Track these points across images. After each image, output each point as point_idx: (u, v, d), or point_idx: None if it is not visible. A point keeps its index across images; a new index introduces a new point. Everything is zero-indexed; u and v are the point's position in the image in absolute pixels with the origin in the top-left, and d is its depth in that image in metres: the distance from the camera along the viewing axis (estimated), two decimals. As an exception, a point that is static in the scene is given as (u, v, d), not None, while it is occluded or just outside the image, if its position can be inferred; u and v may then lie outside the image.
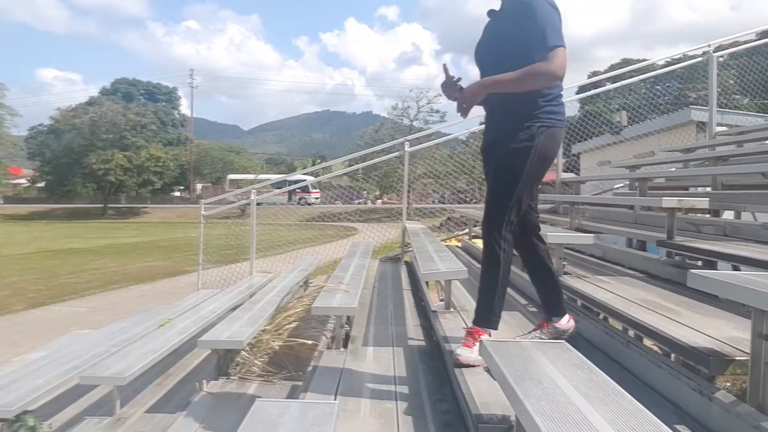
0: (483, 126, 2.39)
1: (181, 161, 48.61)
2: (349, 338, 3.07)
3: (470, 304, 3.12)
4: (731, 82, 8.68)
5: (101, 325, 5.39)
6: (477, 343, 2.14)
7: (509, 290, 3.85)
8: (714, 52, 6.04)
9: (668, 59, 8.74)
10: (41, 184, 49.42)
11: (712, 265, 2.90)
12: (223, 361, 2.96)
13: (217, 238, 6.43)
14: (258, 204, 6.25)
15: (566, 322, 2.32)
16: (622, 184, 6.82)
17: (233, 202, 7.08)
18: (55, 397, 3.04)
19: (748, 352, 1.47)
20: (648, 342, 2.16)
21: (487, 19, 2.31)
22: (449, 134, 8.12)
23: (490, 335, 2.23)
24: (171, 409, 2.90)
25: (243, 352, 2.99)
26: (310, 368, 2.71)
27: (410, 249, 5.48)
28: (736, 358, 1.62)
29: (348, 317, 3.24)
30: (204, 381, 2.81)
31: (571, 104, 7.04)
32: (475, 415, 1.70)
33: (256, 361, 3.01)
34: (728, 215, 4.20)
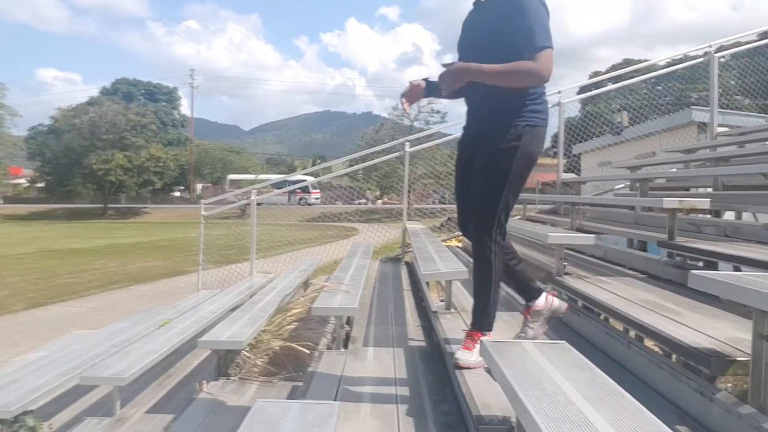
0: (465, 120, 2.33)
1: (181, 161, 48.62)
2: (350, 339, 3.06)
3: (471, 304, 3.10)
4: (732, 82, 8.68)
5: (101, 325, 5.39)
6: (476, 346, 2.15)
7: (509, 290, 3.85)
8: (715, 52, 6.04)
9: (669, 60, 8.74)
10: (41, 184, 49.42)
11: (713, 266, 2.90)
12: (224, 362, 2.96)
13: (217, 238, 6.43)
14: (258, 204, 6.25)
15: (545, 301, 2.31)
16: (622, 185, 6.82)
17: (233, 203, 7.08)
18: (55, 397, 3.03)
19: (749, 352, 1.47)
20: (649, 342, 2.16)
21: (468, 12, 2.26)
22: (450, 134, 8.11)
23: (489, 336, 2.23)
24: (171, 410, 2.89)
25: (243, 353, 2.99)
26: (310, 369, 2.71)
27: (411, 249, 5.48)
28: (737, 358, 1.62)
29: (348, 318, 3.24)
30: (204, 381, 2.81)
31: (572, 105, 7.03)
32: (476, 416, 1.70)
33: (256, 362, 3.01)
34: (729, 216, 4.19)
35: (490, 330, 2.22)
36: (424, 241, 4.59)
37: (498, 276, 2.16)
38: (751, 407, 1.43)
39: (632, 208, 4.75)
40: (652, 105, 9.41)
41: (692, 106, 8.65)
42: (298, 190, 29.39)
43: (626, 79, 7.15)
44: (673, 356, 1.97)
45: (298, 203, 29.04)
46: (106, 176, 41.87)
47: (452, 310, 3.13)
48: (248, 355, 3.02)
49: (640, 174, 5.47)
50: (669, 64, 8.02)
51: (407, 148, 6.19)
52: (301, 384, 2.70)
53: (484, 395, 1.84)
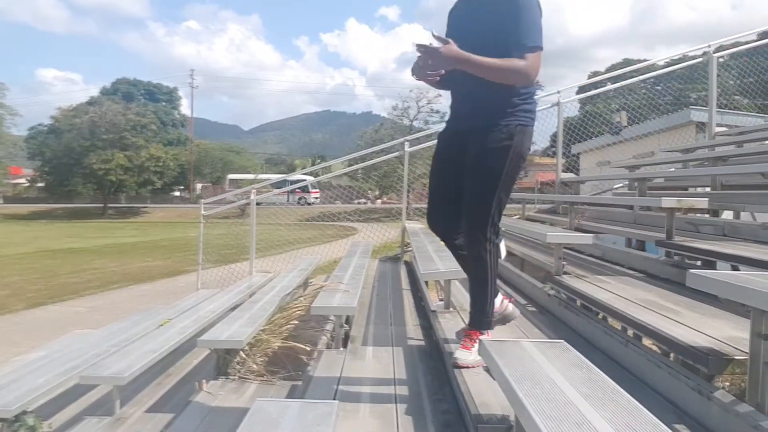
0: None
1: (181, 161, 48.58)
2: (349, 338, 3.07)
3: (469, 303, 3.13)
4: (731, 82, 8.68)
5: (101, 324, 5.39)
6: (475, 345, 2.15)
7: (509, 290, 3.86)
8: (714, 52, 6.04)
9: (668, 60, 8.74)
10: (41, 184, 49.38)
11: (711, 265, 2.90)
12: (223, 361, 2.96)
13: (217, 237, 6.43)
14: (258, 204, 6.25)
15: (500, 304, 2.30)
16: (621, 185, 6.82)
17: (233, 202, 7.08)
18: (55, 396, 3.04)
19: (747, 351, 1.48)
20: (647, 341, 2.16)
21: (456, 2, 2.22)
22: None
23: (488, 335, 2.24)
24: (171, 409, 2.90)
25: (242, 352, 2.99)
26: (309, 368, 2.71)
27: (410, 249, 5.49)
28: (735, 357, 1.63)
29: (347, 317, 3.24)
30: (204, 381, 2.81)
31: (571, 104, 7.04)
32: (475, 414, 1.71)
33: (255, 361, 3.01)
34: (727, 215, 4.20)
35: (489, 329, 2.23)
36: (423, 241, 4.59)
37: (494, 275, 2.17)
38: (748, 405, 1.43)
39: (631, 207, 4.76)
40: (651, 105, 9.41)
41: (691, 106, 8.65)
42: (297, 190, 29.39)
43: (625, 79, 7.16)
44: (672, 355, 1.98)
45: (298, 203, 29.03)
46: (106, 176, 41.84)
47: (451, 309, 3.14)
48: (247, 354, 3.02)
49: (638, 173, 5.48)
50: (668, 64, 8.02)
51: (407, 148, 6.19)
52: (300, 383, 2.70)
53: (482, 394, 1.85)
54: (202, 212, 6.20)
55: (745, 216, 4.11)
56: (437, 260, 3.43)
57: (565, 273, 3.20)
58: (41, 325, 7.82)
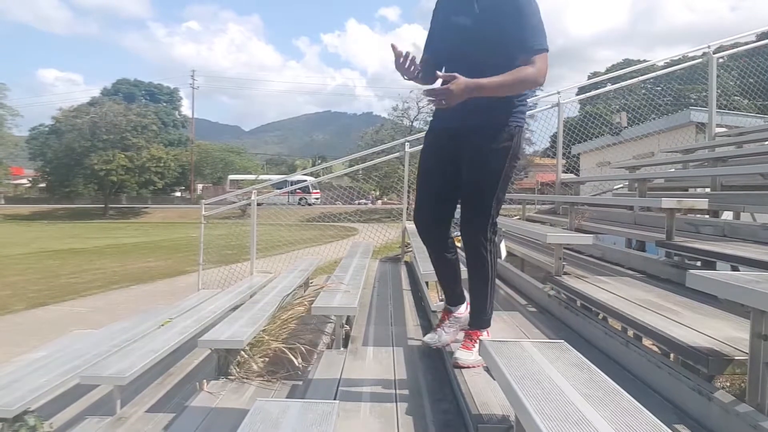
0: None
1: (182, 162, 48.62)
2: (349, 338, 3.07)
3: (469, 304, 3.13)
4: (731, 83, 8.69)
5: (102, 325, 5.39)
6: (476, 345, 2.16)
7: (509, 290, 3.86)
8: (714, 53, 6.05)
9: (668, 60, 8.75)
10: (42, 185, 49.44)
11: (711, 266, 2.91)
12: (224, 361, 2.96)
13: (218, 238, 6.43)
14: (258, 204, 6.26)
15: (465, 309, 2.31)
16: (621, 185, 6.83)
17: (234, 203, 7.08)
18: (56, 396, 3.04)
19: (747, 352, 1.48)
20: (647, 342, 2.17)
21: None
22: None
23: (488, 335, 2.25)
24: (171, 409, 2.90)
25: (243, 352, 2.99)
26: (310, 368, 2.72)
27: (410, 249, 5.49)
28: (735, 358, 1.63)
29: (348, 317, 3.25)
30: (204, 381, 2.81)
31: (571, 105, 7.04)
32: (475, 414, 1.71)
33: (256, 361, 3.01)
34: (727, 216, 4.20)
35: (488, 327, 2.24)
36: (423, 241, 4.59)
37: (494, 274, 2.18)
38: (748, 406, 1.44)
39: (631, 208, 4.76)
40: (651, 105, 9.42)
41: (691, 107, 8.66)
42: (298, 190, 29.40)
43: (625, 80, 7.16)
44: (672, 355, 1.98)
45: (299, 203, 29.04)
46: (107, 176, 41.89)
47: (452, 309, 3.14)
48: (248, 354, 3.02)
49: (638, 174, 5.48)
50: (668, 65, 8.02)
51: (407, 148, 6.20)
52: (300, 383, 2.70)
53: (483, 394, 1.85)
54: (203, 213, 6.20)
55: (745, 216, 4.12)
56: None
57: (566, 273, 3.20)
58: (42, 325, 7.82)
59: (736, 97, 9.16)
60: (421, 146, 2.28)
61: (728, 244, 2.99)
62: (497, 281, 4.20)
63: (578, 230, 4.57)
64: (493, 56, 1.99)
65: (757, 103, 8.77)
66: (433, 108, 2.11)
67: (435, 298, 3.73)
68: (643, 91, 9.47)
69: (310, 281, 5.38)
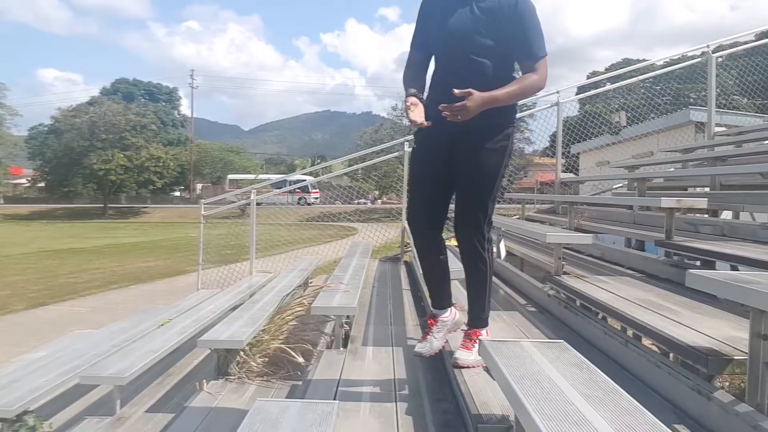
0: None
1: (181, 161, 48.60)
2: (349, 338, 3.07)
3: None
4: (731, 82, 8.70)
5: (101, 324, 5.39)
6: (475, 345, 2.16)
7: (509, 290, 3.86)
8: (713, 52, 6.05)
9: (667, 60, 8.76)
10: (42, 184, 49.41)
11: (710, 265, 2.91)
12: (223, 361, 2.96)
13: (217, 238, 6.43)
14: (258, 204, 6.26)
15: (450, 313, 2.30)
16: (620, 185, 6.83)
17: (233, 202, 7.08)
18: (56, 396, 3.03)
19: (747, 351, 1.48)
20: (647, 342, 2.17)
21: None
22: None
23: (487, 334, 2.25)
24: (171, 409, 2.90)
25: (242, 352, 2.99)
26: (309, 368, 2.72)
27: (410, 249, 5.49)
28: (735, 357, 1.63)
29: (347, 317, 3.25)
30: (204, 381, 2.81)
31: (570, 104, 7.04)
32: (475, 414, 1.71)
33: (256, 361, 3.01)
34: (727, 215, 4.21)
35: (487, 326, 2.24)
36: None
37: (492, 272, 2.18)
38: (748, 406, 1.44)
39: (630, 207, 4.77)
40: (651, 105, 9.42)
41: (690, 106, 8.66)
42: (297, 190, 29.40)
43: (625, 79, 7.17)
44: (671, 355, 1.98)
45: (298, 203, 29.04)
46: (106, 176, 41.86)
47: (451, 309, 3.14)
48: (248, 354, 3.02)
49: (638, 174, 5.48)
50: (667, 64, 8.03)
51: (406, 148, 6.20)
52: (300, 383, 2.71)
53: (482, 394, 1.85)
54: (202, 212, 6.20)
55: (744, 216, 4.12)
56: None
57: (565, 273, 3.21)
58: (42, 325, 7.82)
59: (735, 96, 9.17)
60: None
61: (727, 244, 3.00)
62: (497, 281, 4.21)
63: (578, 230, 4.57)
64: (491, 59, 2.00)
65: (756, 102, 8.78)
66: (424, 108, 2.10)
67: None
68: (643, 90, 9.47)
69: (310, 281, 5.38)
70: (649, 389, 1.88)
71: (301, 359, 3.04)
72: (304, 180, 26.20)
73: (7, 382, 2.83)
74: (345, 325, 3.13)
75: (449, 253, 2.34)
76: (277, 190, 10.54)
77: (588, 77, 27.16)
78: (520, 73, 2.06)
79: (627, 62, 34.58)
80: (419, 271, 3.62)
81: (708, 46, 6.09)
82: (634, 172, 5.72)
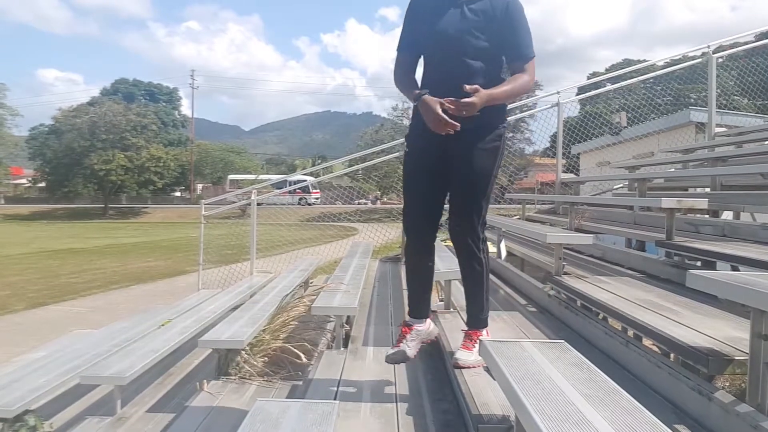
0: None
1: (181, 161, 48.60)
2: (350, 338, 3.07)
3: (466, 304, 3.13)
4: (731, 83, 8.69)
5: (102, 324, 5.39)
6: (476, 345, 2.16)
7: (509, 290, 3.86)
8: (713, 53, 6.05)
9: (668, 60, 8.76)
10: (42, 185, 49.44)
11: (711, 266, 2.91)
12: (224, 361, 2.97)
13: (218, 238, 6.43)
14: (258, 204, 6.26)
15: (425, 325, 2.27)
16: (621, 185, 6.83)
17: (234, 203, 7.08)
18: (56, 396, 3.04)
19: (747, 352, 1.48)
20: (647, 342, 2.17)
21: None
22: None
23: (487, 334, 2.26)
24: (172, 409, 2.90)
25: (243, 352, 3.00)
26: (310, 368, 2.72)
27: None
28: (735, 357, 1.63)
29: (348, 317, 3.25)
30: (204, 381, 2.81)
31: (571, 105, 7.04)
32: (475, 414, 1.71)
33: (256, 361, 3.01)
34: (727, 216, 4.21)
35: (486, 326, 2.24)
36: (423, 241, 4.59)
37: (488, 272, 2.19)
38: (749, 406, 1.44)
39: (631, 208, 4.77)
40: (651, 105, 9.42)
41: (690, 107, 8.66)
42: (298, 190, 29.40)
43: (625, 80, 7.17)
44: (672, 355, 1.98)
45: (299, 203, 29.05)
46: (106, 176, 41.88)
47: (451, 309, 3.15)
48: (248, 354, 3.03)
49: (638, 174, 5.48)
50: (668, 65, 8.03)
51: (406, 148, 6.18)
52: (301, 383, 2.71)
53: (483, 394, 1.85)
54: (203, 213, 6.20)
55: (744, 216, 4.12)
56: (437, 260, 3.42)
57: (565, 273, 3.21)
58: (42, 325, 7.82)
59: (735, 97, 9.16)
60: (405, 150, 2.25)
61: (728, 244, 3.00)
62: (498, 281, 4.21)
63: (578, 230, 4.57)
64: (483, 60, 2.02)
65: (756, 102, 8.78)
66: (413, 111, 2.12)
67: (435, 298, 3.73)
68: (643, 90, 9.47)
69: (310, 281, 5.38)
70: (650, 389, 1.88)
71: (302, 359, 3.04)
72: (305, 180, 26.20)
73: (7, 382, 2.83)
74: (345, 325, 3.13)
75: (449, 252, 2.34)
76: (278, 191, 10.55)
77: (588, 78, 27.16)
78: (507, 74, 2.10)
79: (627, 63, 34.58)
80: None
81: (708, 47, 6.09)
82: (634, 173, 5.73)
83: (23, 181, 55.47)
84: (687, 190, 5.55)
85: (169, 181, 47.70)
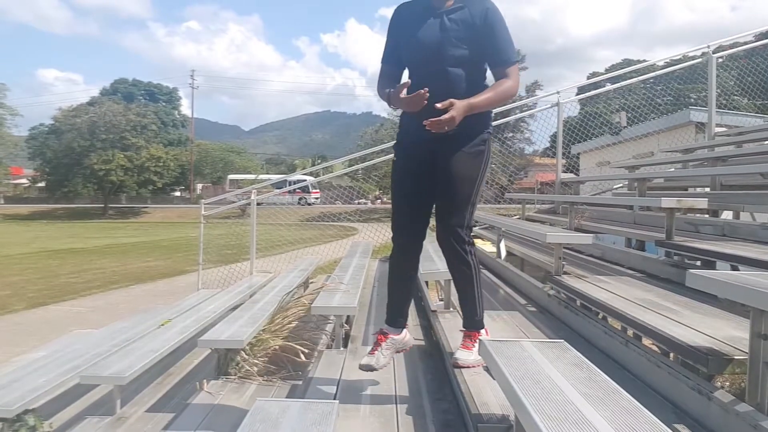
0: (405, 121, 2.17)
1: (181, 161, 48.59)
2: (349, 338, 3.07)
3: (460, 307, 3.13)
4: (731, 83, 8.69)
5: (101, 324, 5.39)
6: (475, 345, 2.17)
7: (509, 290, 3.86)
8: (713, 53, 6.05)
9: (668, 60, 8.76)
10: (42, 185, 49.43)
11: (710, 265, 2.91)
12: (223, 361, 2.97)
13: (218, 238, 6.44)
14: (258, 204, 6.26)
15: (401, 334, 2.27)
16: (621, 185, 6.83)
17: (233, 202, 7.08)
18: (56, 396, 3.03)
19: (747, 351, 1.48)
20: (647, 341, 2.17)
21: (410, 13, 2.13)
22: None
23: (486, 334, 2.26)
24: (171, 409, 2.90)
25: (243, 352, 3.00)
26: (310, 368, 2.72)
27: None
28: (735, 357, 1.63)
29: (348, 317, 3.25)
30: (204, 380, 2.81)
31: (571, 105, 7.05)
32: (475, 414, 1.71)
33: (256, 361, 3.01)
34: (727, 215, 4.21)
35: (482, 327, 2.25)
36: (423, 241, 4.59)
37: (479, 272, 2.19)
38: (748, 405, 1.44)
39: (630, 207, 4.77)
40: (651, 105, 9.42)
41: (690, 107, 8.66)
42: (298, 190, 29.40)
43: (625, 80, 7.17)
44: (671, 355, 1.98)
45: (298, 203, 29.04)
46: (106, 176, 41.88)
47: (451, 309, 3.14)
48: (248, 354, 3.03)
49: (638, 174, 5.48)
50: (667, 65, 8.03)
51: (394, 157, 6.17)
52: (300, 383, 2.70)
53: (483, 394, 1.85)
54: (203, 212, 6.20)
55: (744, 216, 4.12)
56: (437, 260, 3.43)
57: (565, 273, 3.21)
58: (42, 325, 7.82)
59: (735, 97, 9.17)
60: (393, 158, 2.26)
61: (728, 244, 3.00)
62: (497, 281, 4.21)
63: (578, 230, 4.57)
64: (466, 68, 2.04)
65: (756, 102, 8.78)
66: (400, 121, 2.16)
67: (434, 298, 3.74)
68: (643, 90, 9.48)
69: (310, 281, 5.38)
70: (650, 389, 1.88)
71: (301, 359, 3.04)
72: (305, 180, 26.20)
73: (7, 381, 2.83)
74: (345, 325, 3.13)
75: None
76: (278, 191, 10.54)
77: (588, 78, 27.17)
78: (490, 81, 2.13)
79: (627, 63, 34.59)
80: (419, 272, 3.62)
81: (708, 47, 6.09)
82: (634, 173, 5.73)
83: (23, 181, 55.49)
84: (687, 189, 5.55)
85: (168, 181, 47.70)
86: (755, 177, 4.24)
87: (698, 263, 3.04)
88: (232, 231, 6.71)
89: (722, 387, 1.84)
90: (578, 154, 10.07)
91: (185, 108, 64.76)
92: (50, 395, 2.90)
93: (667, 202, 3.10)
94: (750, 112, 8.77)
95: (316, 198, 29.54)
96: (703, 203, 3.29)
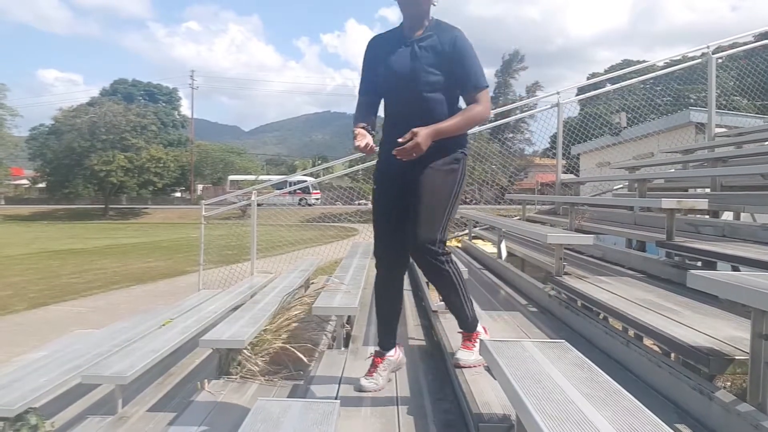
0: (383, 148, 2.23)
1: (181, 162, 48.58)
2: (350, 338, 3.08)
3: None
4: (731, 83, 8.70)
5: (102, 324, 5.39)
6: (475, 345, 2.18)
7: (509, 290, 3.87)
8: (713, 53, 6.06)
9: (668, 60, 8.76)
10: (42, 185, 49.43)
11: (711, 266, 2.91)
12: (225, 361, 2.97)
13: (218, 238, 6.44)
14: (259, 205, 6.26)
15: (395, 352, 2.29)
16: (621, 185, 6.84)
17: (234, 203, 7.08)
18: (57, 396, 3.04)
19: (748, 351, 1.48)
20: (648, 342, 2.17)
21: (384, 44, 2.21)
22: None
23: (486, 333, 2.27)
24: (172, 409, 2.90)
25: (244, 352, 3.00)
26: (311, 368, 2.72)
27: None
28: (736, 357, 1.64)
29: (349, 317, 3.25)
30: (205, 380, 2.81)
31: (571, 105, 7.05)
32: (476, 414, 1.71)
33: (257, 361, 3.02)
34: (727, 216, 4.21)
35: (476, 328, 2.25)
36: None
37: (459, 277, 2.19)
38: (749, 405, 1.44)
39: (631, 208, 4.77)
40: (651, 106, 9.42)
41: (690, 107, 8.66)
42: (298, 191, 29.38)
43: (625, 80, 7.17)
44: (673, 355, 1.98)
45: (299, 204, 29.03)
46: (107, 177, 41.88)
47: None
48: (249, 354, 3.03)
49: (638, 174, 5.49)
50: (667, 65, 8.03)
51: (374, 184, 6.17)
52: (301, 383, 2.71)
53: (484, 394, 1.86)
54: (203, 213, 6.21)
55: (745, 217, 4.12)
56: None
57: (566, 273, 3.21)
58: (43, 325, 7.82)
59: (735, 97, 9.18)
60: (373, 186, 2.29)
61: (728, 245, 3.00)
62: (498, 281, 4.21)
63: (578, 230, 4.58)
64: (440, 93, 2.10)
65: (756, 103, 8.78)
66: (379, 151, 2.21)
67: (435, 298, 3.74)
68: (643, 91, 9.48)
69: (311, 281, 5.38)
70: (651, 389, 1.88)
71: (302, 359, 3.04)
72: (305, 181, 26.18)
73: (8, 381, 2.83)
74: (346, 325, 3.14)
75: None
76: (278, 191, 10.54)
77: (588, 78, 27.18)
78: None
79: (627, 63, 34.59)
80: (420, 272, 3.62)
81: (708, 47, 6.09)
82: (634, 173, 5.73)
83: (23, 181, 55.48)
84: (687, 190, 5.55)
85: (169, 182, 47.69)
86: (755, 178, 4.24)
87: (699, 264, 3.04)
88: (232, 232, 6.72)
89: (723, 387, 1.85)
90: (578, 154, 10.06)
91: (185, 108, 64.77)
92: (51, 395, 2.90)
93: (668, 203, 3.10)
94: (750, 113, 8.78)
95: (317, 199, 29.51)
96: (703, 204, 3.29)
